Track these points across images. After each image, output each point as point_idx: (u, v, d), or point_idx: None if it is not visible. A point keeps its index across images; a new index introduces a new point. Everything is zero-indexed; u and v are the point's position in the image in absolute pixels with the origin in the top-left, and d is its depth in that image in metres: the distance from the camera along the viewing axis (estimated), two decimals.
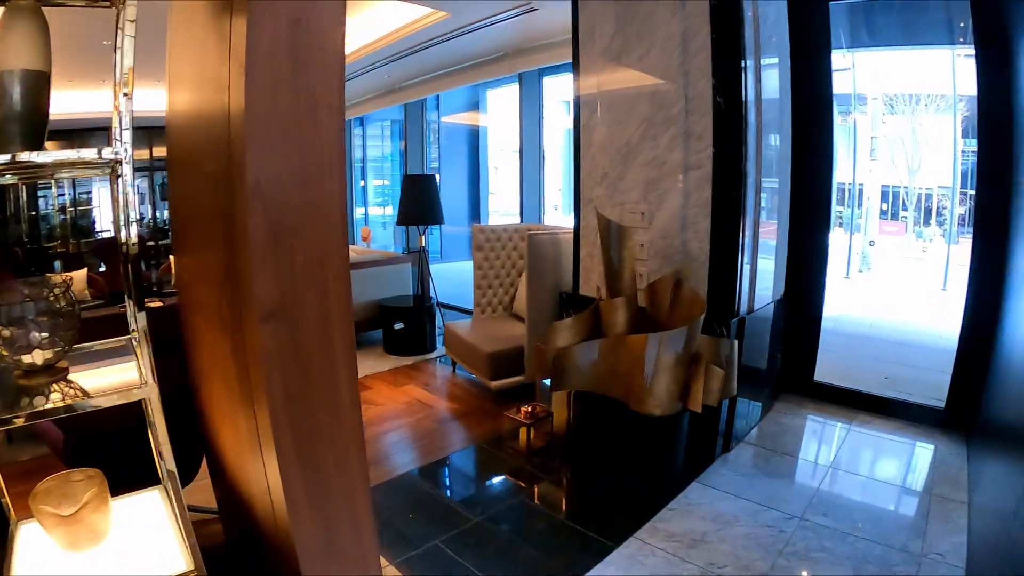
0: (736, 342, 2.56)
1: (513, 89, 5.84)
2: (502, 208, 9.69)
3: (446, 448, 3.21)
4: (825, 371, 3.57)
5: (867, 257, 9.63)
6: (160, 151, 10.08)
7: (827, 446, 3.03)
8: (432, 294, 5.52)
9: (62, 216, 9.49)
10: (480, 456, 3.14)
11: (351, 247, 6.53)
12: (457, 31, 4.52)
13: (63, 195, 9.52)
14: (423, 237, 5.72)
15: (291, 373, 1.27)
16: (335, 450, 1.35)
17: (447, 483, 2.84)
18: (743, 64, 2.54)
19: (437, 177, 10.13)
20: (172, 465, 1.43)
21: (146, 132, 9.57)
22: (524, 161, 5.84)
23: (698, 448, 2.78)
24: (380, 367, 4.79)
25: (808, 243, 3.44)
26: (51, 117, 1.32)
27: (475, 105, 10.22)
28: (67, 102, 7.10)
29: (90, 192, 9.42)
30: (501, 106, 9.23)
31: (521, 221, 5.98)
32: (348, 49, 5.73)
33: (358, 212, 10.53)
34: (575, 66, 3.19)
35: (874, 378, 3.97)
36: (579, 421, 2.80)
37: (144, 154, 9.90)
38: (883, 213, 10.26)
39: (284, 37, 1.16)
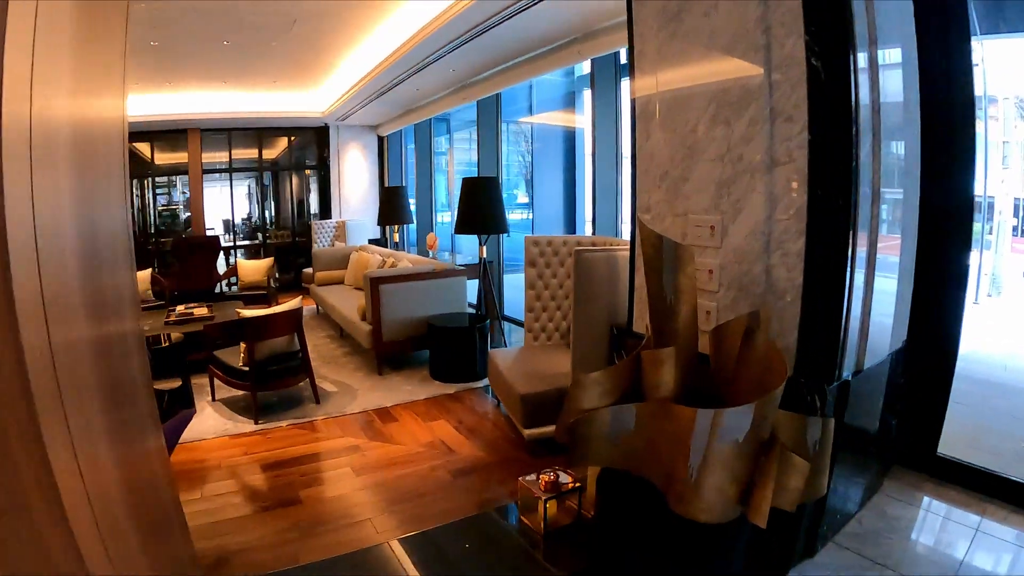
0: (833, 420, 1.72)
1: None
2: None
3: (441, 514, 2.57)
4: (950, 434, 2.62)
5: (997, 279, 8.18)
6: (269, 153, 10.35)
7: (945, 556, 2.10)
8: (497, 309, 4.90)
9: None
10: (478, 531, 2.45)
11: (405, 254, 6.07)
12: (509, 7, 3.94)
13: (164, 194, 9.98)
14: (484, 247, 5.15)
15: None
16: None
17: (412, 571, 2.17)
18: (849, 9, 1.71)
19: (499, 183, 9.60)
20: None
21: (255, 133, 9.93)
22: (597, 167, 5.14)
23: (768, 552, 1.97)
24: (417, 395, 4.25)
25: (941, 273, 2.53)
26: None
27: (571, 106, 9.64)
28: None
29: (187, 193, 9.66)
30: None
31: (594, 233, 5.26)
32: (402, 38, 5.31)
33: (443, 218, 10.20)
34: (629, 34, 2.47)
35: (1010, 445, 3.04)
36: (605, 504, 2.07)
37: (252, 154, 10.14)
38: (1014, 229, 8.82)
39: None
